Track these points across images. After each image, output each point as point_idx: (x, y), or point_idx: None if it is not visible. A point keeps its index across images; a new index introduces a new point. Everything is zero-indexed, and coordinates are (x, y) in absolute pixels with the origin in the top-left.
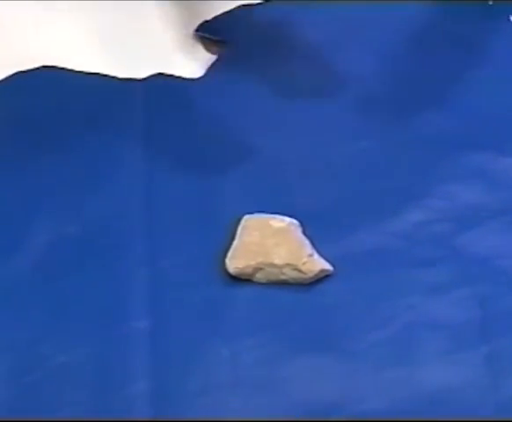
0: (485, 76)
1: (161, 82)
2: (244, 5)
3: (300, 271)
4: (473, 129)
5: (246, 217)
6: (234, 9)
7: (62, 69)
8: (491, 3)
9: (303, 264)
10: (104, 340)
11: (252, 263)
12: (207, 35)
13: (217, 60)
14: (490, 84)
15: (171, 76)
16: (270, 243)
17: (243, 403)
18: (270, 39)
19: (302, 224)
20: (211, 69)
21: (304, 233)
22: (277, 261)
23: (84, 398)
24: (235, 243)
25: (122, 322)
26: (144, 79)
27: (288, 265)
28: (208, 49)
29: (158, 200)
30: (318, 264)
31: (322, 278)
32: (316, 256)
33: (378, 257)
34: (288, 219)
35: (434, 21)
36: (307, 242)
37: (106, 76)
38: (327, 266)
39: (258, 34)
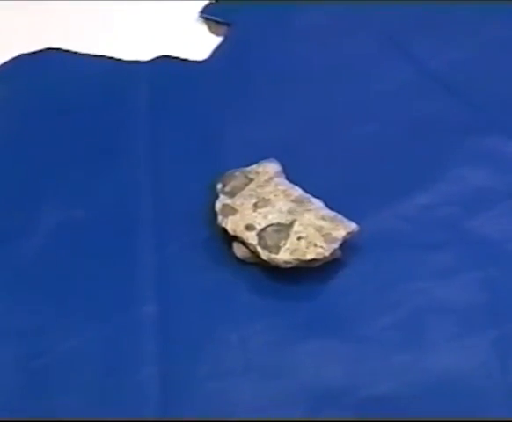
0: (495, 60)
1: (166, 64)
2: None
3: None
4: (482, 113)
5: None
6: None
7: (67, 51)
8: None
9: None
10: (113, 325)
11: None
12: (212, 17)
13: (222, 42)
14: (500, 68)
15: (176, 58)
16: None
17: (252, 388)
18: (275, 21)
19: None
20: (216, 51)
21: None
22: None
23: (93, 383)
24: None
25: (131, 306)
26: (149, 61)
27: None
28: (213, 31)
29: (165, 183)
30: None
31: (330, 262)
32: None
33: (387, 240)
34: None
35: (443, 7)
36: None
37: (110, 58)
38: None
39: (263, 16)
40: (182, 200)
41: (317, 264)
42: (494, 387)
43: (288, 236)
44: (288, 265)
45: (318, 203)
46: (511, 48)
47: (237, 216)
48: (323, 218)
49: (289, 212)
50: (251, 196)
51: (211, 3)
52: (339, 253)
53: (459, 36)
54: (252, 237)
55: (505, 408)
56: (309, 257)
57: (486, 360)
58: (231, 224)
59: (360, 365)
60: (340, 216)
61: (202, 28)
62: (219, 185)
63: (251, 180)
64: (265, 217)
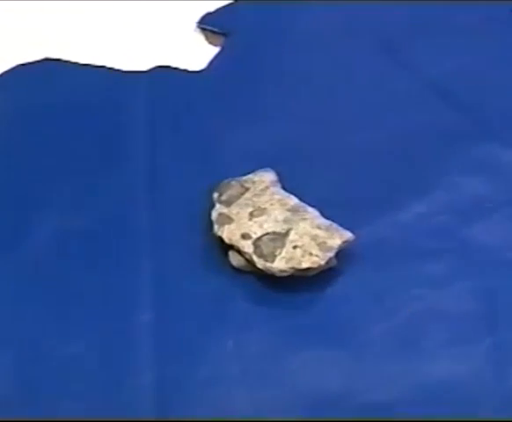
0: (492, 67)
1: (164, 74)
2: None
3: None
4: (478, 121)
5: None
6: (236, 1)
7: (65, 61)
8: None
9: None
10: (109, 333)
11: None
12: (209, 27)
13: (219, 52)
14: (495, 77)
15: (173, 68)
16: None
17: (248, 395)
18: (272, 30)
19: None
20: (213, 61)
21: None
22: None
23: (90, 391)
24: None
25: (127, 314)
26: (147, 71)
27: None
28: (210, 41)
29: (162, 192)
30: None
31: (326, 270)
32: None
33: (382, 249)
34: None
35: (439, 13)
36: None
37: (109, 68)
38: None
39: (260, 26)
40: (179, 209)
41: (312, 272)
42: (490, 394)
43: (283, 244)
44: (284, 274)
45: (313, 212)
46: (508, 55)
47: (233, 225)
48: (318, 227)
49: (285, 221)
50: (247, 205)
51: (209, 14)
52: (334, 262)
53: (456, 43)
54: (247, 246)
55: (500, 415)
56: (304, 265)
57: (481, 368)
58: (227, 233)
59: (356, 372)
60: (335, 225)
61: (200, 38)
62: (215, 194)
63: (247, 189)
64: (261, 226)
